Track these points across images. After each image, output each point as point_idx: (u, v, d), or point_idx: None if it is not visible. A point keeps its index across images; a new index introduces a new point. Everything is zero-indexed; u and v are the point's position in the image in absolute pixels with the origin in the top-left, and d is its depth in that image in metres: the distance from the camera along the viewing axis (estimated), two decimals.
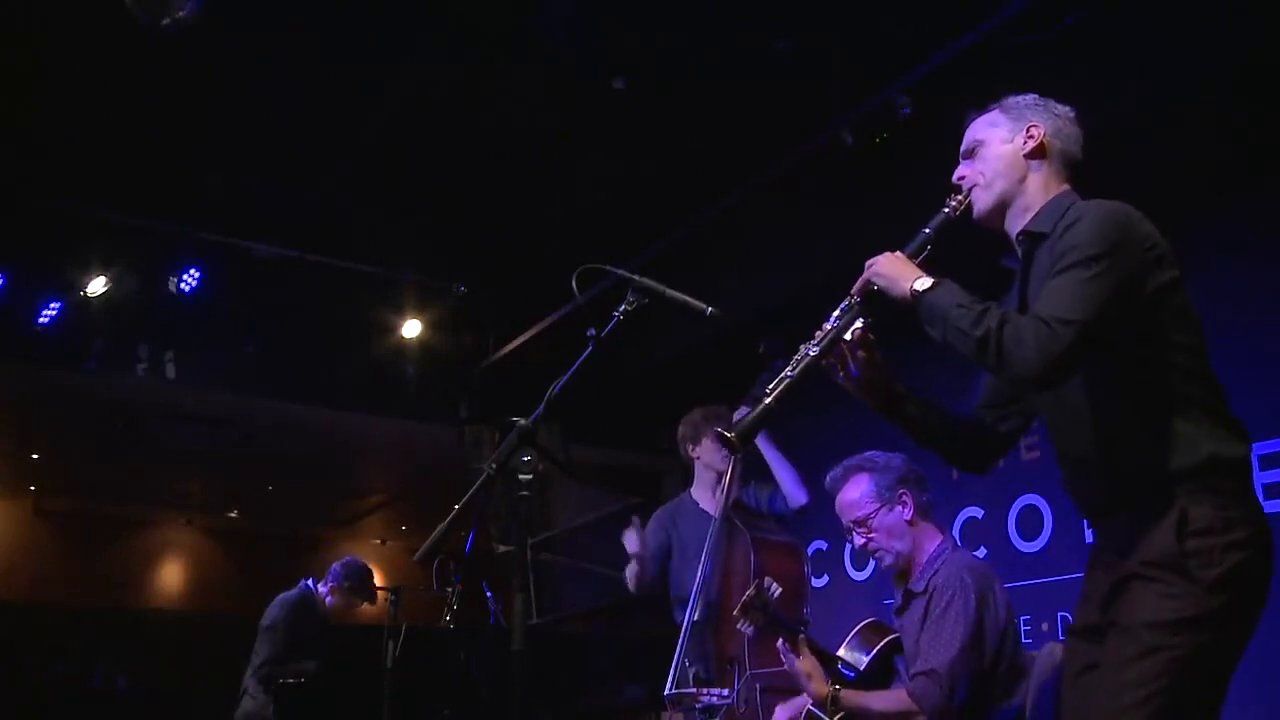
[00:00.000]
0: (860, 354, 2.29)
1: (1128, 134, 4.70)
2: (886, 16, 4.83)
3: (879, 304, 2.25)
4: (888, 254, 2.26)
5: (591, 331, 2.41)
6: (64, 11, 5.06)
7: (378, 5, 5.07)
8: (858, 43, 5.00)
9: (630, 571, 4.30)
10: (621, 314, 2.47)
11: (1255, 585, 2.01)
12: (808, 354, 2.25)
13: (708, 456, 4.40)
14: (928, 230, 2.31)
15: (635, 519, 4.24)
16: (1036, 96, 2.39)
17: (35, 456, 10.23)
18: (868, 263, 2.27)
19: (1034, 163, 2.30)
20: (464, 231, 7.00)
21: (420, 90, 5.63)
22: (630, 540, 4.19)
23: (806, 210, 5.92)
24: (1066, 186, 2.31)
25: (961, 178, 2.37)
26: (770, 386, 2.24)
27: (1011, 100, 2.39)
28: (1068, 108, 2.38)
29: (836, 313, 2.27)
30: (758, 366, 4.44)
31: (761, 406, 2.22)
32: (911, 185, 5.18)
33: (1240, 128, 4.60)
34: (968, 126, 2.42)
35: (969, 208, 2.34)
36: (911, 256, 2.28)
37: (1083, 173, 2.35)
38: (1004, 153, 2.32)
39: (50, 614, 10.85)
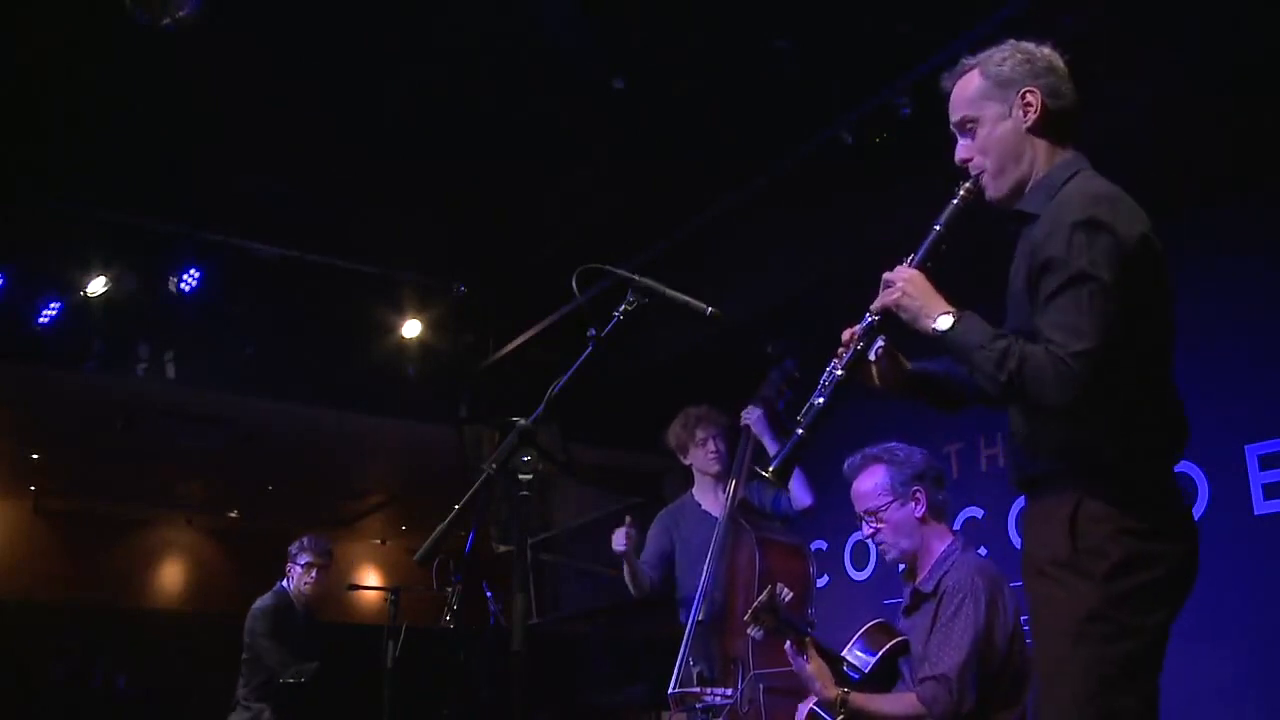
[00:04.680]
0: (885, 368, 2.31)
1: (1127, 134, 4.69)
2: (886, 16, 4.83)
3: (900, 324, 2.21)
4: (907, 275, 2.20)
5: (591, 331, 2.41)
6: (64, 11, 5.06)
7: (377, 5, 5.06)
8: (858, 43, 5.00)
9: (626, 574, 4.30)
10: (621, 314, 2.47)
11: (1150, 567, 2.00)
12: (834, 376, 2.24)
13: (699, 462, 4.41)
14: (938, 228, 2.25)
15: (629, 518, 4.24)
16: (1014, 47, 2.25)
17: (35, 456, 10.23)
18: (886, 279, 2.21)
19: (1037, 134, 2.20)
20: (464, 231, 7.00)
21: (420, 90, 5.63)
22: (618, 539, 4.19)
23: (806, 210, 5.92)
24: (1069, 152, 2.21)
25: (965, 160, 2.27)
26: (803, 414, 2.23)
27: (992, 62, 2.25)
28: (1046, 50, 2.26)
29: (858, 329, 2.25)
30: (766, 367, 4.45)
31: (795, 437, 2.21)
32: (911, 185, 5.18)
33: (1239, 128, 4.60)
34: (949, 88, 2.30)
35: (980, 195, 2.25)
36: (928, 258, 2.23)
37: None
38: (1005, 132, 2.21)
39: (50, 614, 10.83)
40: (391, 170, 6.31)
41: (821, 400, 2.22)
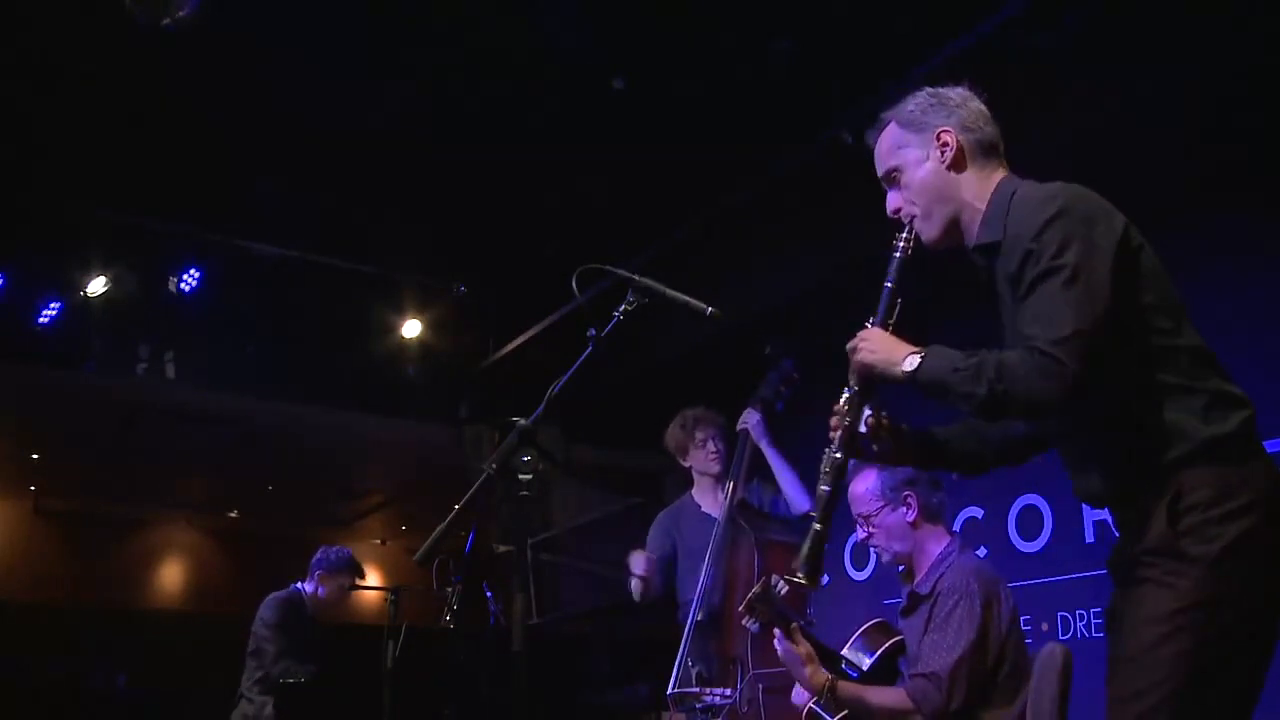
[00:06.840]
0: (882, 438, 2.24)
1: (1127, 133, 4.70)
2: (886, 16, 4.83)
3: (879, 385, 2.17)
4: (869, 333, 2.18)
5: (591, 331, 2.41)
6: (64, 11, 5.05)
7: (378, 5, 5.06)
8: (858, 43, 5.00)
9: (635, 586, 4.30)
10: (621, 314, 2.48)
11: (1267, 550, 1.88)
12: (834, 459, 2.19)
13: (700, 463, 4.40)
14: (889, 284, 2.23)
15: (640, 554, 4.26)
16: (926, 93, 2.29)
17: (35, 456, 10.23)
18: (850, 346, 2.18)
19: (959, 170, 2.21)
20: (464, 231, 7.00)
21: (420, 90, 5.63)
22: (637, 564, 4.20)
23: (807, 210, 5.92)
24: (1001, 173, 2.21)
25: (897, 210, 2.29)
26: (814, 509, 2.20)
27: (905, 111, 2.30)
28: (960, 89, 2.29)
29: (843, 403, 2.20)
30: (764, 367, 4.44)
31: (813, 533, 2.16)
32: None
33: (1240, 128, 4.60)
34: (872, 144, 2.34)
35: (918, 240, 2.25)
36: (887, 316, 2.20)
37: (1010, 151, 2.27)
38: (926, 174, 2.23)
39: (50, 614, 10.82)
40: (391, 170, 6.30)
41: (827, 489, 2.18)
